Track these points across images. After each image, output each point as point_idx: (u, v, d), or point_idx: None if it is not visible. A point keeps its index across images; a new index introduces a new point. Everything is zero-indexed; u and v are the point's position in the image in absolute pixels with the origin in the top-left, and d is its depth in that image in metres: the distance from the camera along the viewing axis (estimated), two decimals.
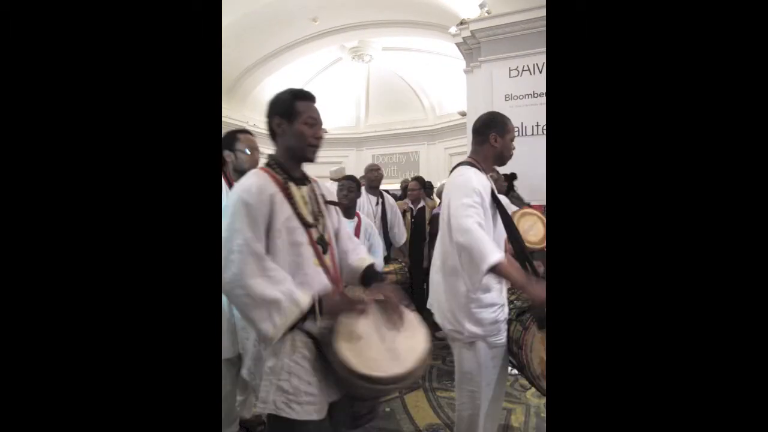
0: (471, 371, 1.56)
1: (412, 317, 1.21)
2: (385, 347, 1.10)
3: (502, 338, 1.55)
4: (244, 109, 7.84)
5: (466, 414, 1.61)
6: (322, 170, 7.67)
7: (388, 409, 2.49)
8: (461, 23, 4.87)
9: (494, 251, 1.35)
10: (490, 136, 1.61)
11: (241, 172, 1.37)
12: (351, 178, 2.72)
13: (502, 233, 1.59)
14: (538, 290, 1.32)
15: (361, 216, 2.75)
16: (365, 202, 3.16)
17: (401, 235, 3.32)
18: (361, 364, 1.03)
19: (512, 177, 3.80)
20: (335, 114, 9.20)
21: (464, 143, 5.71)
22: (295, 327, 1.09)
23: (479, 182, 1.51)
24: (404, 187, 4.64)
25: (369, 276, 1.31)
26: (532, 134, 4.68)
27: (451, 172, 1.66)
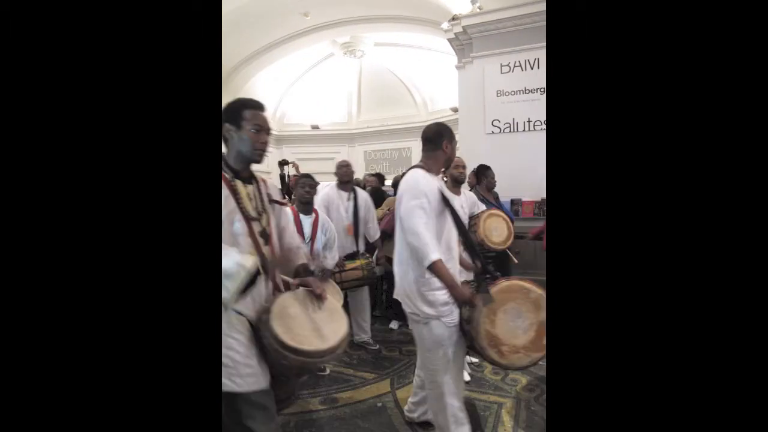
0: (430, 349, 1.74)
1: (336, 306, 1.43)
2: (312, 327, 1.31)
3: (454, 318, 1.72)
4: None
5: (435, 388, 1.78)
6: (316, 166, 7.67)
7: (380, 404, 2.50)
8: (453, 19, 4.87)
9: (433, 252, 1.58)
10: (443, 144, 1.81)
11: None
12: (307, 176, 2.89)
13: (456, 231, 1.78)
14: (461, 291, 1.59)
15: (319, 212, 2.90)
16: (335, 198, 3.23)
17: (375, 230, 3.39)
18: (291, 338, 1.21)
19: (484, 168, 3.80)
20: (327, 110, 9.17)
21: (457, 139, 5.71)
22: (246, 291, 1.22)
23: (427, 185, 1.69)
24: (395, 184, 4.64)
25: (300, 272, 1.51)
26: (524, 130, 4.70)
27: (403, 175, 1.85)
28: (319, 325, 1.31)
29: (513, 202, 4.34)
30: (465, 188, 3.10)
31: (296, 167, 5.62)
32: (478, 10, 4.71)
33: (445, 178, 2.25)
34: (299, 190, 2.79)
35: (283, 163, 5.47)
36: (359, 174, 6.51)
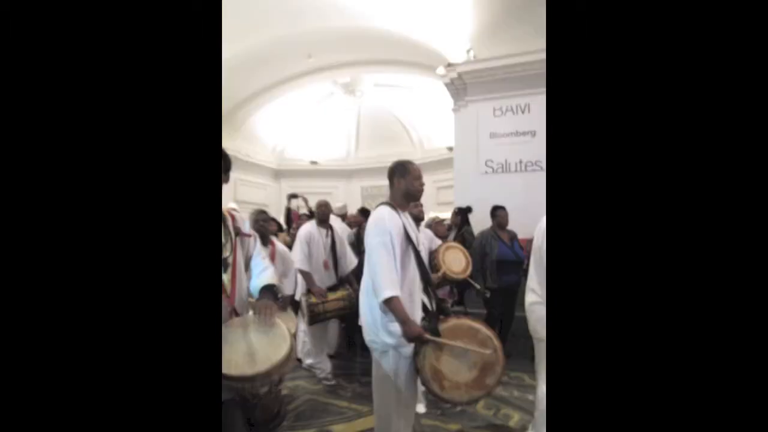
0: (384, 376, 1.82)
1: (282, 331, 1.44)
2: (246, 352, 1.33)
3: (409, 349, 1.77)
4: (237, 139, 8.00)
5: (382, 413, 1.86)
6: (314, 201, 7.79)
7: None
8: (448, 65, 5.15)
9: (387, 289, 1.67)
10: (394, 180, 1.94)
11: None
12: (262, 212, 3.22)
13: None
14: (411, 328, 1.66)
15: (276, 243, 3.33)
16: (315, 235, 3.50)
17: (348, 263, 3.62)
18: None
19: (467, 211, 3.97)
20: (326, 146, 9.42)
21: (451, 177, 5.90)
22: None
23: (391, 221, 1.80)
24: None
25: (264, 292, 1.57)
26: (516, 170, 4.90)
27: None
28: (254, 350, 1.33)
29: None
30: (422, 227, 3.25)
31: (306, 201, 5.60)
32: (471, 58, 5.00)
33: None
34: (256, 224, 3.03)
35: (291, 196, 5.44)
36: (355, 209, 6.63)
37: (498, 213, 3.87)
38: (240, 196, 8.31)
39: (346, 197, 9.39)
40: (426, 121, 8.54)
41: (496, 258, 3.64)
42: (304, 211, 5.52)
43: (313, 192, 8.97)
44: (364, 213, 4.74)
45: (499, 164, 4.94)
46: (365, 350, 1.97)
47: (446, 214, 6.03)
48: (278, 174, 9.40)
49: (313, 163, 9.51)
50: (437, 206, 8.11)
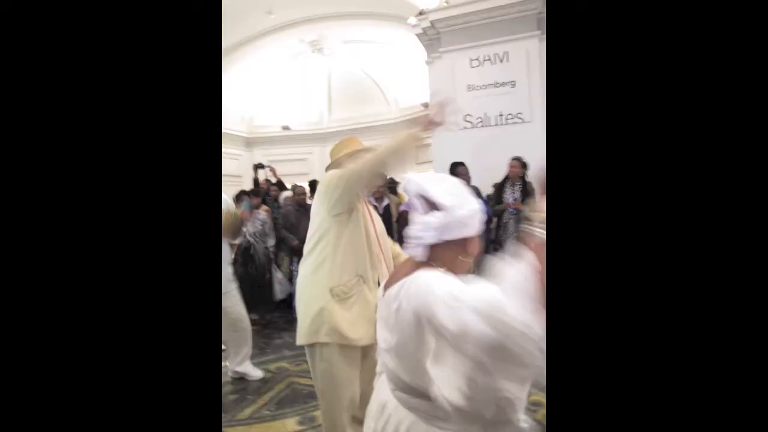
0: None
1: None
2: None
3: None
4: None
5: None
6: (289, 168, 7.51)
7: None
8: (420, 14, 4.80)
9: None
10: None
11: None
12: (243, 192, 3.57)
13: None
14: None
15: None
16: None
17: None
18: None
19: (454, 165, 3.83)
20: (298, 110, 8.99)
21: (429, 135, 5.66)
22: None
23: None
24: None
25: None
26: (495, 124, 4.68)
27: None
28: None
29: (489, 197, 4.30)
30: None
31: (273, 172, 5.42)
32: (445, 3, 4.65)
33: None
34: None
35: (257, 167, 5.30)
36: None
37: (458, 170, 3.71)
38: None
39: (321, 162, 9.08)
40: (400, 78, 8.17)
41: None
42: (272, 180, 5.33)
43: (288, 159, 8.67)
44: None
45: (479, 118, 4.71)
46: None
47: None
48: (250, 142, 8.98)
49: (285, 128, 9.09)
50: (416, 166, 7.91)
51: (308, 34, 7.32)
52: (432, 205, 0.86)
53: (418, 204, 0.89)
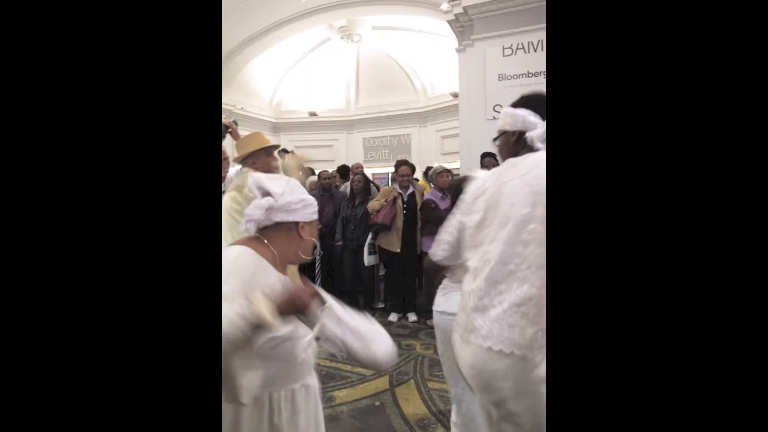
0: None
1: None
2: None
3: None
4: (231, 91, 7.61)
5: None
6: (315, 153, 7.52)
7: (377, 403, 2.42)
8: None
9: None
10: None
11: None
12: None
13: None
14: None
15: None
16: None
17: None
18: None
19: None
20: (325, 96, 8.98)
21: (456, 125, 5.56)
22: None
23: None
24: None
25: None
26: None
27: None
28: None
29: None
30: None
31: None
32: None
33: None
34: None
35: (282, 152, 5.41)
36: (358, 162, 6.38)
37: (485, 161, 3.62)
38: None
39: (347, 149, 9.08)
40: (430, 66, 8.03)
41: None
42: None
43: (314, 145, 8.69)
44: (413, 168, 4.56)
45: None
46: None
47: (454, 165, 5.76)
48: (277, 127, 9.04)
49: (312, 114, 9.10)
50: (441, 156, 7.79)
51: (338, 20, 7.26)
52: (266, 193, 1.04)
53: (256, 192, 1.06)
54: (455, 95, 6.78)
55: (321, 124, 9.18)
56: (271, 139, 8.42)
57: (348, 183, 4.86)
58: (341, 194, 4.59)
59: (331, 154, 8.82)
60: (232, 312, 0.84)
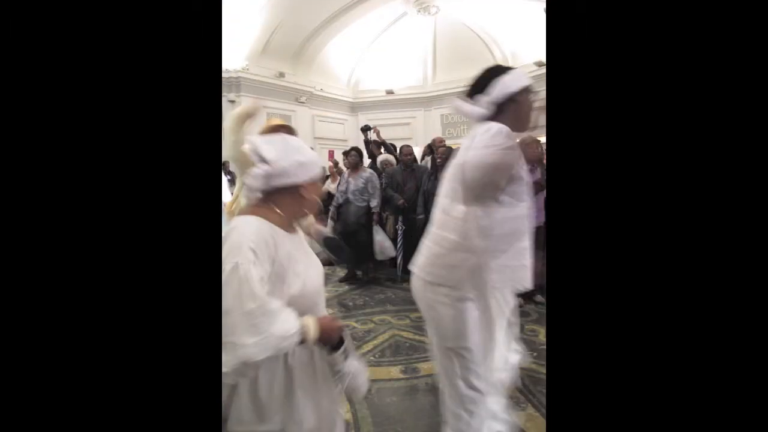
0: None
1: None
2: None
3: None
4: (310, 74, 7.85)
5: None
6: (392, 132, 7.57)
7: None
8: None
9: None
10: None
11: None
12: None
13: None
14: None
15: None
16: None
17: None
18: None
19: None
20: (402, 73, 8.92)
21: (542, 97, 5.24)
22: None
23: None
24: None
25: None
26: None
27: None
28: None
29: None
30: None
31: (377, 132, 5.62)
32: None
33: None
34: None
35: (365, 129, 5.55)
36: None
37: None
38: (318, 133, 8.31)
39: (425, 126, 8.98)
40: (511, 35, 7.60)
41: None
42: (375, 139, 5.54)
43: (391, 124, 8.73)
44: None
45: None
46: None
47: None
48: (354, 107, 9.19)
49: (389, 92, 9.11)
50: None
51: None
52: (262, 159, 1.05)
53: (255, 158, 1.07)
54: (540, 64, 6.37)
55: (398, 102, 9.16)
56: (349, 119, 8.50)
57: (429, 158, 4.84)
58: (423, 168, 4.57)
59: (408, 132, 8.80)
60: (288, 328, 0.94)
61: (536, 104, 1.43)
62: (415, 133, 8.72)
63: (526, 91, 1.43)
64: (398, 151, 4.97)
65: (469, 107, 1.50)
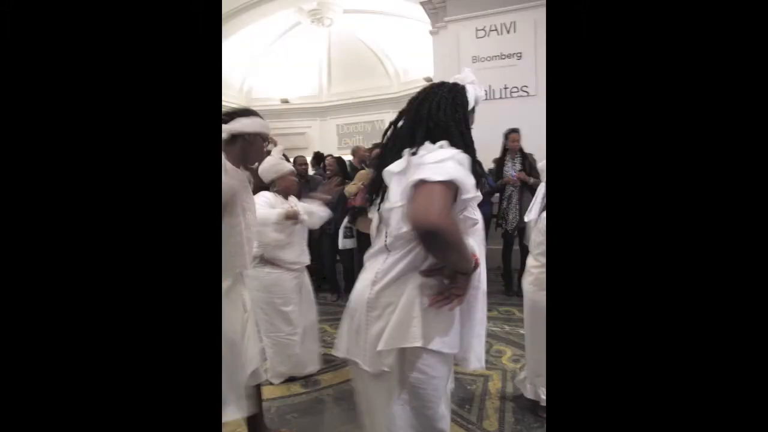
0: None
1: None
2: None
3: None
4: None
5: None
6: (288, 141, 7.39)
7: None
8: None
9: None
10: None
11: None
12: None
13: None
14: None
15: None
16: None
17: None
18: None
19: None
20: (297, 82, 8.82)
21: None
22: None
23: None
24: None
25: None
26: (500, 97, 4.59)
27: None
28: None
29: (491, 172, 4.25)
30: None
31: (274, 143, 5.43)
32: None
33: None
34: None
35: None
36: (332, 148, 6.29)
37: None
38: None
39: (321, 136, 8.96)
40: (403, 51, 7.97)
41: None
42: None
43: (287, 133, 8.53)
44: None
45: (483, 91, 4.61)
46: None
47: None
48: None
49: (284, 101, 8.93)
50: None
51: (308, 3, 7.10)
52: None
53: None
54: (428, 80, 6.77)
55: (294, 111, 9.02)
56: None
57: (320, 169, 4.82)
58: (317, 179, 4.54)
59: (304, 142, 8.69)
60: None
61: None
62: (310, 143, 8.64)
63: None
64: (292, 161, 4.87)
65: None
